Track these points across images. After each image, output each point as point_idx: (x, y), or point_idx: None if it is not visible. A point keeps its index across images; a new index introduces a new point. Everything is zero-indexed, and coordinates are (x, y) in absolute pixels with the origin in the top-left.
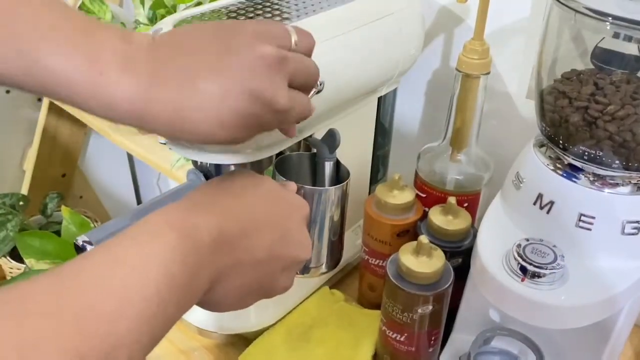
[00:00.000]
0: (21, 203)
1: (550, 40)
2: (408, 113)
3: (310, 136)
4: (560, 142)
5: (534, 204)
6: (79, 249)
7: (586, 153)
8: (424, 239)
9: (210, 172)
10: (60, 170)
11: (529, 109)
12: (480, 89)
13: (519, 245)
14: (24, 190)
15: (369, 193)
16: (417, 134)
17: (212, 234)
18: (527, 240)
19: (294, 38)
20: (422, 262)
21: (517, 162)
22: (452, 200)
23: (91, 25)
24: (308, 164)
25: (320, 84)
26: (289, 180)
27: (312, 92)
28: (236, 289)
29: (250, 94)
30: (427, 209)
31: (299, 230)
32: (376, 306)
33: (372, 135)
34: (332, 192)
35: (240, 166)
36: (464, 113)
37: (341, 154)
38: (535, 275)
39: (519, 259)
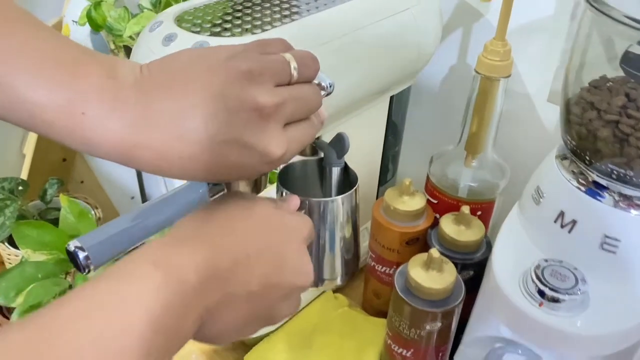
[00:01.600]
0: (20, 188)
1: (580, 44)
2: (420, 112)
3: (318, 138)
4: (586, 157)
5: (555, 221)
6: (71, 254)
7: (614, 171)
8: (435, 252)
9: None
10: (61, 154)
11: (549, 113)
12: (500, 92)
13: (537, 267)
14: (24, 175)
15: (377, 194)
16: (429, 134)
17: (199, 272)
18: (546, 261)
19: (293, 66)
20: (432, 276)
21: (537, 174)
22: (465, 209)
23: (78, 58)
24: (315, 169)
25: (330, 86)
26: (291, 194)
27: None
28: (230, 323)
29: (242, 146)
30: (438, 215)
31: (298, 256)
32: (381, 313)
33: (382, 134)
34: (340, 202)
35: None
36: (481, 117)
37: (350, 153)
38: (553, 300)
39: (537, 281)
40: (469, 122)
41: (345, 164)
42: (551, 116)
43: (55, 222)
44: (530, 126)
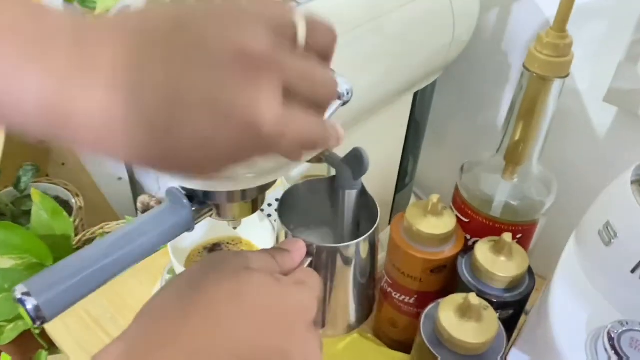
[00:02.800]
0: None
1: None
2: (445, 110)
3: (329, 151)
4: None
5: (633, 271)
6: (17, 302)
7: None
8: (474, 298)
9: (195, 192)
10: None
11: (606, 115)
12: (554, 95)
13: (611, 332)
14: None
15: (394, 201)
16: (452, 134)
17: None
18: (622, 324)
19: (301, 30)
20: (469, 327)
21: (604, 204)
22: (507, 237)
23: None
24: (325, 190)
25: (348, 93)
26: (294, 239)
27: (334, 107)
28: None
29: (214, 107)
30: (468, 237)
31: (304, 348)
32: (398, 343)
33: (403, 135)
34: (355, 247)
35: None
36: (529, 123)
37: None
38: None
39: (611, 352)
40: (512, 128)
41: (363, 186)
42: (607, 119)
43: (30, 213)
44: (581, 131)
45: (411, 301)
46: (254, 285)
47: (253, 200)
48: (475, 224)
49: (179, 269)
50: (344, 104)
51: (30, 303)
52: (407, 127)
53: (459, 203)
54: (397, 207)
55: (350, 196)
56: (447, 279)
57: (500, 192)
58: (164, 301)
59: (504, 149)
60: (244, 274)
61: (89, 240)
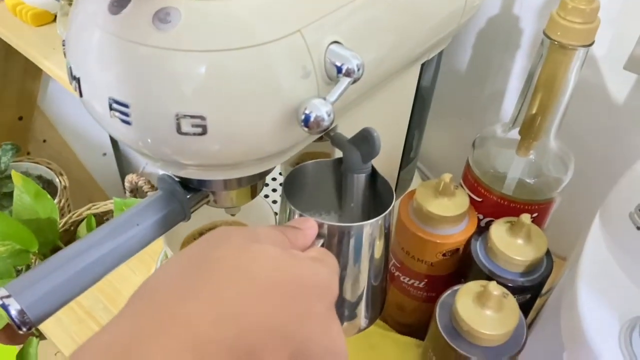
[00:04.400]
0: None
1: None
2: (450, 79)
3: (334, 131)
4: None
5: None
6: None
7: None
8: (495, 288)
9: (189, 179)
10: (16, 112)
11: (625, 84)
12: (577, 65)
13: None
14: None
15: (398, 177)
16: (459, 106)
17: None
18: None
19: None
20: (489, 318)
21: (633, 182)
22: (525, 218)
23: None
24: (330, 173)
25: (358, 69)
26: (305, 217)
27: (344, 85)
28: None
29: None
30: (481, 216)
31: (325, 332)
32: (406, 327)
33: (409, 108)
34: (370, 227)
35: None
36: (548, 94)
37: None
38: None
39: None
40: (529, 101)
41: (373, 168)
42: (626, 88)
43: (11, 195)
44: (599, 101)
45: (421, 285)
46: (265, 259)
47: (252, 186)
48: (489, 202)
49: None
50: (355, 81)
51: (14, 308)
52: (413, 101)
53: (470, 180)
54: (402, 182)
55: (360, 180)
56: (460, 262)
57: (514, 169)
58: (157, 283)
59: (519, 123)
60: (253, 247)
61: (76, 223)
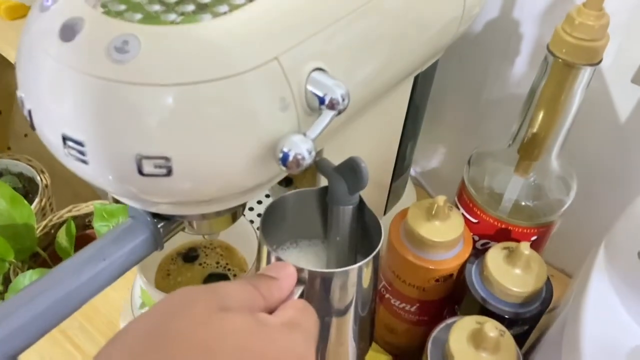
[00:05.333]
0: None
1: None
2: (444, 88)
3: (320, 157)
4: None
5: None
6: None
7: None
8: (491, 329)
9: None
10: None
11: (633, 99)
12: (583, 84)
13: None
14: None
15: (389, 193)
16: (453, 116)
17: None
18: None
19: None
20: (485, 359)
21: (638, 213)
22: (524, 248)
23: None
24: (315, 201)
25: (343, 99)
26: (282, 262)
27: (328, 117)
28: None
29: None
30: (476, 237)
31: None
32: (396, 348)
33: (402, 121)
34: (357, 272)
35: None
36: (551, 113)
37: (362, 144)
38: None
39: None
40: (530, 118)
41: (361, 199)
42: (633, 102)
43: None
44: (603, 116)
45: (412, 309)
46: (230, 336)
47: (233, 213)
48: (485, 224)
49: (148, 288)
50: (339, 112)
51: None
52: (406, 114)
53: (465, 200)
54: (395, 190)
55: (346, 213)
56: (454, 287)
57: (512, 190)
58: (114, 352)
59: (519, 142)
60: (218, 320)
61: (56, 226)
